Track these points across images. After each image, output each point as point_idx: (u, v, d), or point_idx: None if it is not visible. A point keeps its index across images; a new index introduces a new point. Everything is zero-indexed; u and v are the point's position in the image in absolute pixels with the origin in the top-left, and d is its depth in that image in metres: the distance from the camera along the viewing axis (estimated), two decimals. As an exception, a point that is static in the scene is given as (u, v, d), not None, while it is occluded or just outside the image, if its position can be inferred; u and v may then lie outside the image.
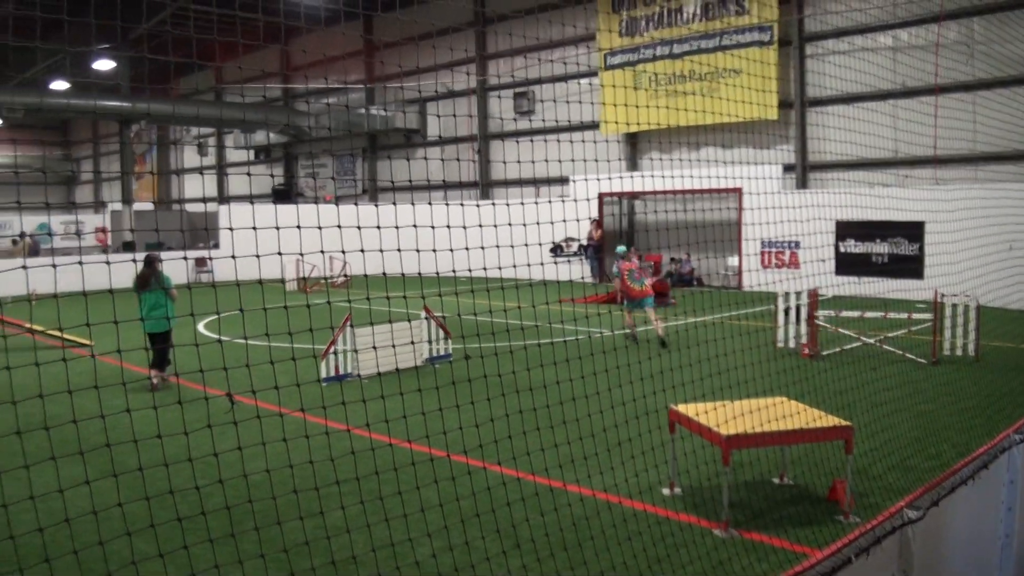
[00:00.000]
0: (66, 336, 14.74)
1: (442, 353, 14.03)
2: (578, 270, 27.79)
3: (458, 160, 34.06)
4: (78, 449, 5.21)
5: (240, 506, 6.21)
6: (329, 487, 6.60)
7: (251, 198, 41.07)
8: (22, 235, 34.36)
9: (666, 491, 7.46)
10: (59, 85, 39.33)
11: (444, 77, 34.68)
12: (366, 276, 12.52)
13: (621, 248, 17.39)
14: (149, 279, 12.54)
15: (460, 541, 6.00)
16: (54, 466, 5.31)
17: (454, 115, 34.42)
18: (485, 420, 6.54)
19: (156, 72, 40.26)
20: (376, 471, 6.17)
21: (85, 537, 5.98)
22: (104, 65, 38.59)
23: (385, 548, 5.98)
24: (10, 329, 15.44)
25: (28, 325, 15.01)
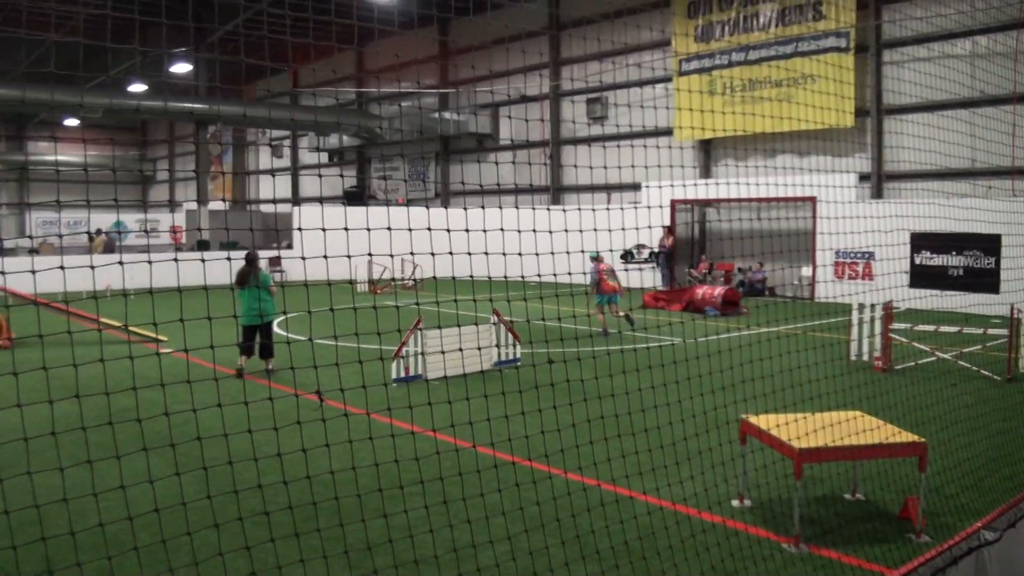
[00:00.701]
0: (139, 331, 15.21)
1: (511, 357, 14.17)
2: (649, 277, 27.69)
3: (537, 163, 34.22)
4: (168, 441, 5.45)
5: (324, 503, 6.39)
6: (413, 486, 6.77)
7: (341, 199, 41.67)
8: (98, 232, 35.22)
9: (736, 504, 7.49)
10: (137, 87, 40.46)
11: (517, 82, 34.91)
12: (454, 278, 12.68)
13: (593, 252, 18.57)
14: (248, 276, 13.47)
15: (528, 548, 6.11)
16: (144, 457, 5.54)
17: (528, 119, 34.61)
18: (553, 426, 6.65)
19: (232, 75, 41.09)
20: (460, 472, 6.31)
21: (173, 528, 6.22)
22: (181, 68, 39.49)
23: (465, 550, 6.10)
24: (85, 323, 15.93)
25: (105, 321, 15.45)
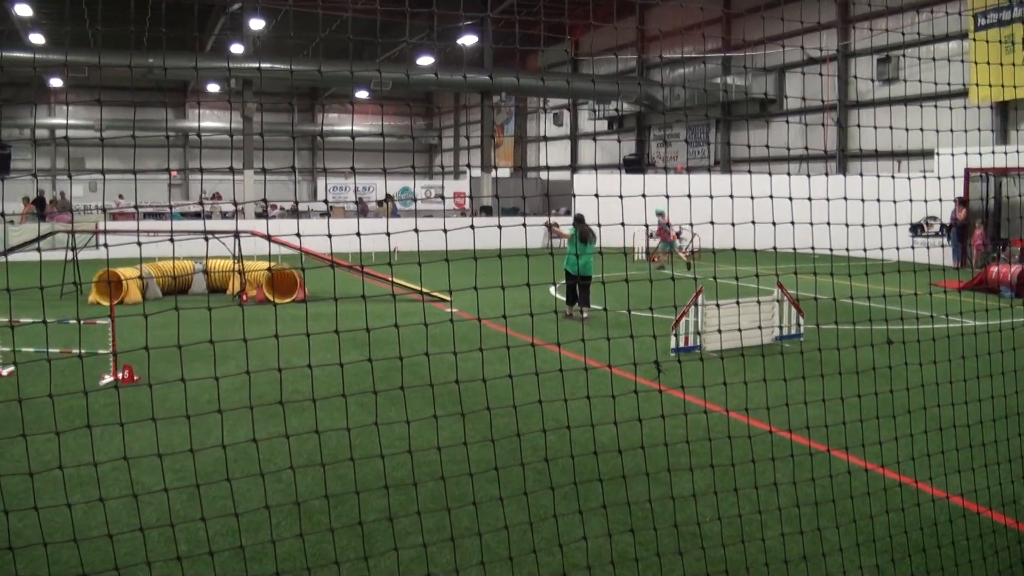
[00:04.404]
0: (427, 291, 16.04)
1: (793, 332, 13.68)
2: (938, 253, 25.61)
3: (818, 125, 32.76)
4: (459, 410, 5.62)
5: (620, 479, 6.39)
6: (678, 443, 6.65)
7: (619, 166, 41.88)
8: (388, 197, 37.32)
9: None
10: (425, 60, 42.40)
11: (804, 43, 33.46)
12: (735, 249, 12.40)
13: (660, 208, 22.58)
14: (589, 233, 15.19)
15: (808, 527, 5.83)
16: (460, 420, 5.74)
17: (809, 74, 33.16)
18: (836, 406, 6.27)
19: (515, 45, 42.11)
20: (729, 438, 6.11)
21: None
22: (467, 40, 40.82)
23: (730, 520, 5.93)
24: (374, 282, 17.03)
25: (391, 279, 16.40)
